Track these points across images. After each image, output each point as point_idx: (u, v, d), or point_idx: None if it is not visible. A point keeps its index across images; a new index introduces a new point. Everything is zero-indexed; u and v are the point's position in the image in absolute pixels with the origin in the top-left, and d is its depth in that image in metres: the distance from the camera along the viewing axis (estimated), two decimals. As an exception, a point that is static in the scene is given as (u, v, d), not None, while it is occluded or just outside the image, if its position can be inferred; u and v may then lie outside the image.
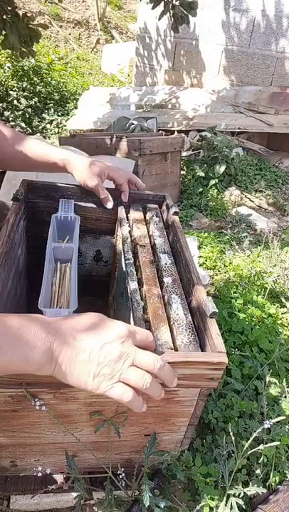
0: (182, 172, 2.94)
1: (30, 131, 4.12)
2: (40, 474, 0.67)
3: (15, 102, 4.16)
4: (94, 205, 1.09)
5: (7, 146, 0.97)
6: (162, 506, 0.73)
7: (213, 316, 0.69)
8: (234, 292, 1.48)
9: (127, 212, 1.08)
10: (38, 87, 4.43)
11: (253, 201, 2.89)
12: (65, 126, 4.26)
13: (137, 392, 0.56)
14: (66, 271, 0.96)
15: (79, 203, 1.07)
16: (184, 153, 3.11)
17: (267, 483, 0.91)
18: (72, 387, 0.56)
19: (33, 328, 0.53)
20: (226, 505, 0.82)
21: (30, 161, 0.98)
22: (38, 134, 4.09)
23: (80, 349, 0.54)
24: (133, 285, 0.80)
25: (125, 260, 0.88)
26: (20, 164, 1.00)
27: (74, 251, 0.92)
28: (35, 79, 4.48)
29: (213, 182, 2.85)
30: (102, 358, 0.54)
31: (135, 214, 1.06)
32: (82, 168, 0.97)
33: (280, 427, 0.93)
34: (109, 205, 1.02)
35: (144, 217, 1.07)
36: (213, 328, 0.67)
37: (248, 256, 1.94)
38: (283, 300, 1.54)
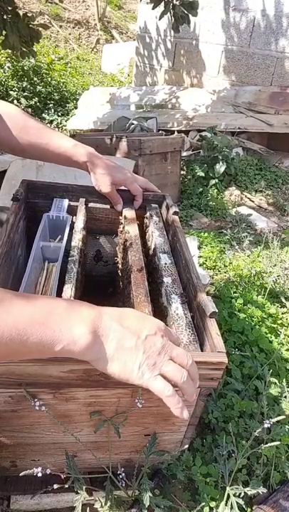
0: (182, 172, 2.94)
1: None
2: (40, 474, 0.67)
3: (15, 102, 4.15)
4: (93, 205, 1.09)
5: (30, 133, 0.95)
6: (162, 506, 0.73)
7: (213, 315, 0.69)
8: (234, 292, 1.48)
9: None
10: (38, 87, 4.43)
11: (253, 201, 2.88)
12: (65, 126, 4.25)
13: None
14: (53, 270, 0.96)
15: (77, 203, 1.07)
16: (184, 153, 3.11)
17: (267, 483, 0.91)
18: (72, 386, 0.55)
19: (79, 310, 0.54)
20: (226, 505, 0.82)
21: (49, 154, 0.97)
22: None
23: (126, 336, 0.54)
24: (68, 286, 0.76)
25: (69, 257, 0.85)
26: (37, 154, 0.99)
27: (60, 250, 0.92)
28: (35, 79, 4.48)
29: (213, 182, 2.85)
30: (148, 347, 0.54)
31: (135, 213, 1.06)
32: (101, 174, 0.99)
33: (280, 426, 0.93)
34: (119, 207, 1.07)
35: (144, 216, 1.07)
36: (213, 328, 0.67)
37: (248, 256, 1.93)
38: (283, 300, 1.54)
